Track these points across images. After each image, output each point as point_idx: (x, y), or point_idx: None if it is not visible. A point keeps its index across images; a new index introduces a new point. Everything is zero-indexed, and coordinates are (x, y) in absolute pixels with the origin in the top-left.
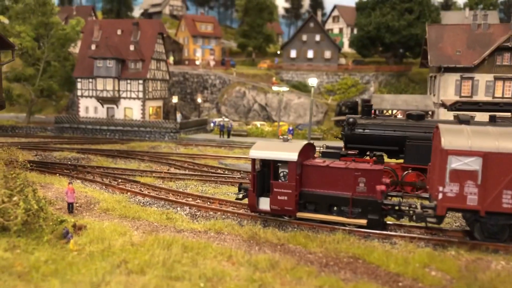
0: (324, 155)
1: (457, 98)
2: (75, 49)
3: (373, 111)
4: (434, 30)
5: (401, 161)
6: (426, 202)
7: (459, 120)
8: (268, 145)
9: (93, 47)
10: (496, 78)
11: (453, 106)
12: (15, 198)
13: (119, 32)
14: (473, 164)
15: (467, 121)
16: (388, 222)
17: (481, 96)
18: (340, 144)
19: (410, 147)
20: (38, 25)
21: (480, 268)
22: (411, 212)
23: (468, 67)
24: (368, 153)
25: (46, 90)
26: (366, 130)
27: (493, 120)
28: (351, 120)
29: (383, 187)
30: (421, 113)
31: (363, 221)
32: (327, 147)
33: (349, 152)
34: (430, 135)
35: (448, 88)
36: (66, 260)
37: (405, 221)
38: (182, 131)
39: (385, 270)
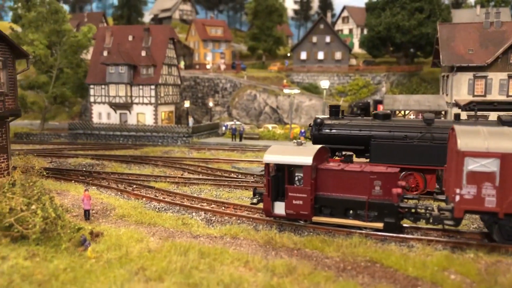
0: None
1: (470, 97)
2: (87, 55)
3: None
4: (446, 29)
5: (367, 160)
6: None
7: (424, 119)
8: (282, 149)
9: (105, 53)
10: (510, 77)
11: (467, 106)
12: (33, 207)
13: (130, 38)
14: (491, 165)
15: (431, 120)
16: (404, 225)
17: (494, 95)
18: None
19: (374, 146)
20: (50, 32)
21: (500, 271)
22: (427, 214)
23: (481, 66)
24: (337, 153)
25: (59, 97)
26: (332, 130)
27: (457, 119)
28: (318, 120)
29: (399, 190)
30: (387, 112)
31: (380, 225)
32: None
33: None
34: (394, 134)
35: (461, 87)
36: (85, 268)
37: (421, 224)
38: (194, 135)
39: (403, 274)
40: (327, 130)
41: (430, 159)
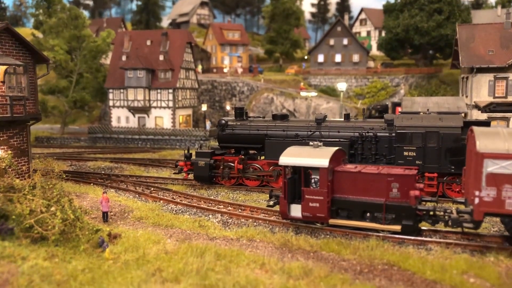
0: (198, 155)
1: (490, 99)
2: (107, 60)
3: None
4: (465, 30)
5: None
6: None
7: (315, 119)
8: (299, 152)
9: (123, 58)
10: None
11: (486, 108)
12: (52, 208)
13: (148, 42)
14: (511, 167)
15: (322, 119)
16: (422, 228)
17: None
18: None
19: (268, 144)
20: (70, 38)
21: None
22: (446, 217)
23: (501, 67)
24: (242, 151)
25: (79, 101)
26: (234, 130)
27: (346, 118)
28: (222, 122)
29: (417, 192)
30: (285, 114)
31: (397, 227)
32: (200, 148)
33: (222, 151)
34: (287, 133)
35: (481, 89)
36: (102, 269)
37: (440, 226)
38: (212, 139)
39: (421, 277)
40: (230, 130)
41: None
